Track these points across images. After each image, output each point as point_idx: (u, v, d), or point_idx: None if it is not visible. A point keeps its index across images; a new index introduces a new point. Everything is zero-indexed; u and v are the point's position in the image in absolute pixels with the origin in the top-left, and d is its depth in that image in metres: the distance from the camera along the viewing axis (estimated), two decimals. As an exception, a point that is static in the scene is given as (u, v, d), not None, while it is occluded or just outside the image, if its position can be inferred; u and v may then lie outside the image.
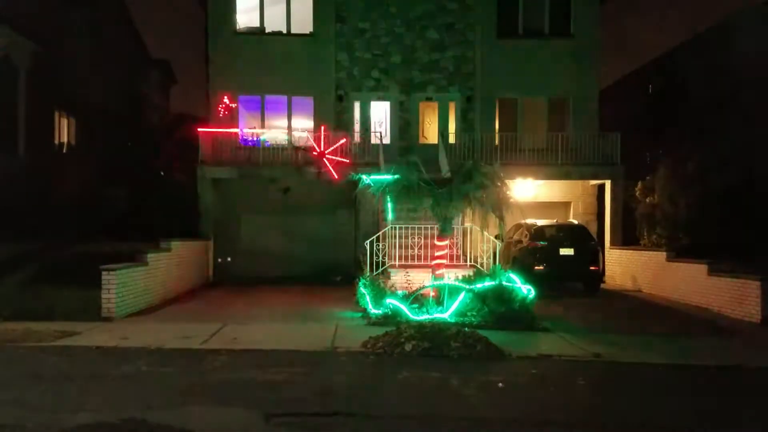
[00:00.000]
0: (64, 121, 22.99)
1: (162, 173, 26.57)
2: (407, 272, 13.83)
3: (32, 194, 18.80)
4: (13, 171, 18.55)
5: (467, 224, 14.90)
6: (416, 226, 14.62)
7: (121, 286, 11.62)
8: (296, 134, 19.55)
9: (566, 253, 16.05)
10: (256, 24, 20.17)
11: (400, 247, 14.50)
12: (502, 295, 11.43)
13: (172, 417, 6.08)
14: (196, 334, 10.14)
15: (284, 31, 20.16)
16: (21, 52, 19.14)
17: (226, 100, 19.34)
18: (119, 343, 9.42)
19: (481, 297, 11.45)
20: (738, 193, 17.41)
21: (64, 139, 23.16)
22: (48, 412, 6.21)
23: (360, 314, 12.11)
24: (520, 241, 16.91)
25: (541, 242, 16.22)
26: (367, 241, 14.56)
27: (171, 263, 14.62)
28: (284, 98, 20.13)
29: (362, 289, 12.56)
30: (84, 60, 22.99)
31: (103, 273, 11.46)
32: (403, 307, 11.25)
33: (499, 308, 11.22)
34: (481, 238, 14.78)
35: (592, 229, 19.03)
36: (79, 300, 11.79)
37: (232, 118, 19.57)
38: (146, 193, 22.45)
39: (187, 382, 7.43)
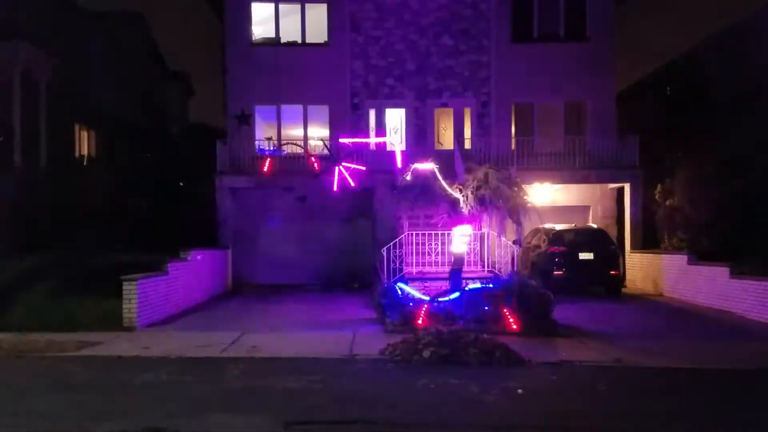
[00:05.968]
0: (84, 134, 23.31)
1: (181, 183, 26.85)
2: (425, 278, 13.81)
3: (54, 206, 19.08)
4: (36, 183, 18.85)
5: (484, 229, 14.86)
6: (433, 232, 14.61)
7: (141, 295, 11.74)
8: (312, 143, 19.64)
9: (586, 258, 15.92)
10: (272, 35, 20.32)
11: (417, 253, 14.50)
12: (520, 301, 11.37)
13: (193, 425, 6.13)
14: (216, 342, 10.22)
15: (299, 41, 20.28)
16: (41, 66, 19.47)
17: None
18: (140, 353, 9.52)
19: (500, 303, 11.38)
20: (759, 195, 17.14)
21: (85, 152, 23.48)
22: (71, 421, 6.29)
23: (378, 321, 12.10)
24: (538, 246, 16.79)
25: (560, 247, 16.10)
26: (384, 248, 14.56)
27: (190, 272, 14.74)
28: (300, 107, 20.21)
29: (380, 297, 12.55)
30: (103, 73, 23.34)
31: (124, 283, 11.59)
32: (421, 313, 11.21)
33: (518, 314, 11.14)
34: (498, 243, 14.72)
35: (612, 233, 18.85)
36: (100, 310, 11.91)
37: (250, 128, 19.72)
38: (166, 204, 22.70)
39: (207, 390, 7.48)
